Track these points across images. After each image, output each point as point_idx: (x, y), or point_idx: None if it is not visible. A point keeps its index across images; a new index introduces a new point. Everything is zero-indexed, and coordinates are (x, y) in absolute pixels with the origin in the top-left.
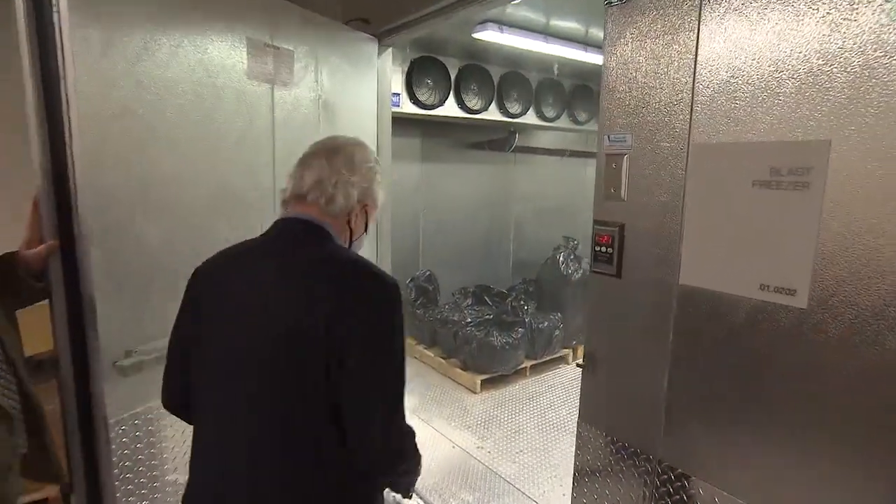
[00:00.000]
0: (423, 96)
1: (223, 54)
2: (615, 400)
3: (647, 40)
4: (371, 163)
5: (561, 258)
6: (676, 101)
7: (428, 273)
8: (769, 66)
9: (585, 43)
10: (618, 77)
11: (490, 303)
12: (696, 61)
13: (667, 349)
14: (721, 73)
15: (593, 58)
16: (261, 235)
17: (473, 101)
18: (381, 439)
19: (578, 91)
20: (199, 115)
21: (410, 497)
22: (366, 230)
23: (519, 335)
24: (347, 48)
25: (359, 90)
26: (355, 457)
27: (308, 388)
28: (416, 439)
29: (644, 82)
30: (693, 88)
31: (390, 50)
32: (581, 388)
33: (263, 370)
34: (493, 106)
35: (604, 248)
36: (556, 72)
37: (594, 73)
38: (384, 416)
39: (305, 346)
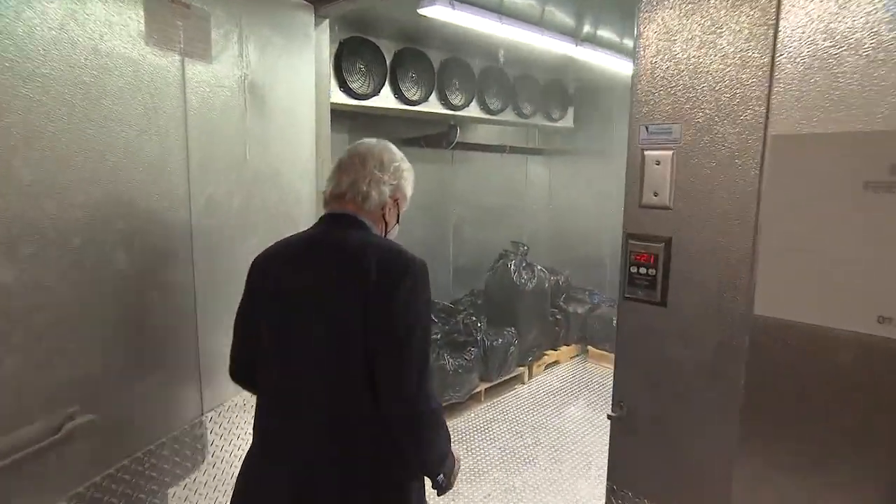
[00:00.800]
0: (355, 84)
1: (109, 7)
2: (661, 464)
3: (703, 2)
4: (397, 162)
5: (512, 266)
6: (747, 80)
7: None
8: (891, 30)
9: (540, 25)
10: (660, 52)
11: (436, 320)
12: (776, 27)
13: (735, 399)
14: (817, 42)
15: (549, 42)
16: (310, 228)
17: (412, 91)
18: (409, 397)
19: (523, 81)
20: (73, 95)
21: (445, 489)
22: (397, 221)
23: (472, 356)
24: (279, 16)
25: (294, 70)
26: (387, 412)
27: (350, 354)
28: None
29: (698, 58)
30: (772, 63)
31: (327, 22)
32: (610, 445)
33: (314, 342)
34: (433, 96)
35: (642, 270)
36: (501, 59)
37: (540, 62)
38: (412, 376)
39: (348, 317)
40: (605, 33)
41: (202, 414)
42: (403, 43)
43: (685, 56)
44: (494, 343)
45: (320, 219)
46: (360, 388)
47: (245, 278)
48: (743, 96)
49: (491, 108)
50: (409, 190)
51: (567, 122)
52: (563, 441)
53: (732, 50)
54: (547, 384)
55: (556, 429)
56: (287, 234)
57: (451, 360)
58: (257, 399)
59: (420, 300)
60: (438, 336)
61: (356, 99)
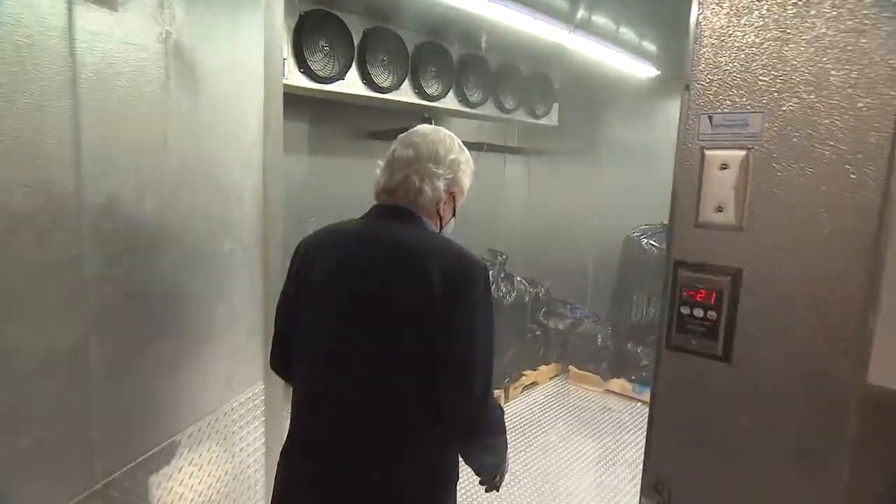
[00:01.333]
0: (316, 65)
1: None
2: None
3: None
4: (454, 154)
5: (490, 275)
6: (872, 49)
7: None
8: None
9: (531, 5)
10: (732, 18)
11: None
12: None
13: (837, 491)
14: None
15: (539, 27)
16: (359, 218)
17: (383, 77)
18: (476, 412)
19: (505, 71)
20: None
21: (497, 488)
22: (454, 215)
23: None
24: None
25: (236, 35)
26: (451, 427)
27: (403, 373)
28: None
29: (790, 27)
30: None
31: None
32: None
33: (358, 351)
34: (406, 84)
35: (697, 311)
36: (483, 45)
37: (525, 50)
38: (477, 391)
39: (403, 330)
40: (600, 19)
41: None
42: (374, 21)
43: (770, 20)
44: None
45: (370, 209)
46: (410, 409)
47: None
48: (865, 75)
49: (470, 99)
50: (466, 182)
51: (551, 119)
52: (546, 479)
53: (843, 10)
54: (525, 409)
55: (537, 466)
56: (225, 245)
57: None
58: (292, 394)
59: (485, 309)
60: None
61: (318, 82)
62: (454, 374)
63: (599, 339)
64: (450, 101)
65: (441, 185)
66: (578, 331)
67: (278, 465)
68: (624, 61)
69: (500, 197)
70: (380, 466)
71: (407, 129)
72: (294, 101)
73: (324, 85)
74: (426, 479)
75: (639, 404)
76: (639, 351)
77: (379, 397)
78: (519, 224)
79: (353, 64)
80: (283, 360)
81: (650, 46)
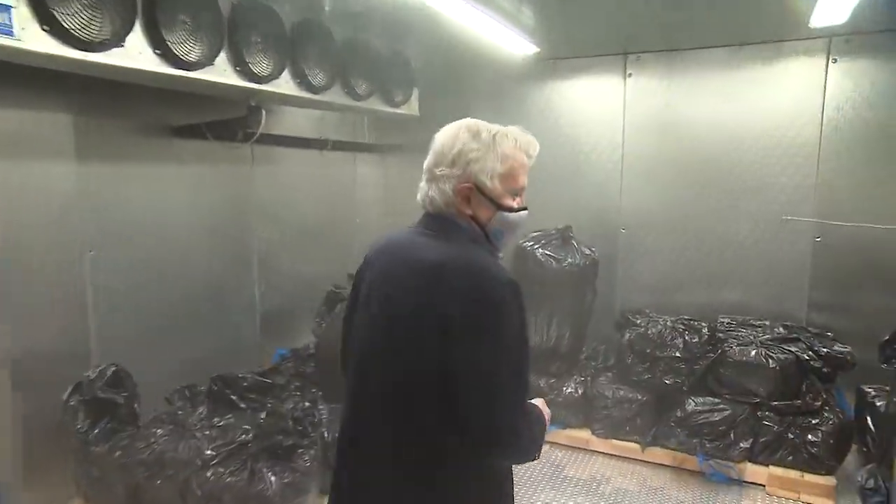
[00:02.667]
0: (73, 20)
1: None
2: None
3: None
4: (461, 144)
5: None
6: None
7: (112, 369)
8: None
9: None
10: None
11: (243, 405)
12: None
13: None
14: None
15: None
16: (414, 223)
17: (186, 46)
18: (502, 438)
19: (354, 47)
20: None
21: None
22: (500, 208)
23: (307, 461)
24: None
25: None
26: (473, 436)
27: (423, 400)
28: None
29: None
30: None
31: None
32: None
33: (384, 371)
34: (222, 58)
35: None
36: (326, 6)
37: (378, 19)
38: (503, 419)
39: (420, 356)
40: None
41: None
42: None
43: None
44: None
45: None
46: (433, 428)
47: None
48: None
49: (312, 82)
50: (490, 167)
51: (411, 108)
52: None
53: None
54: None
55: None
56: None
57: (270, 477)
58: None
59: (507, 333)
60: (249, 437)
61: (77, 48)
62: (473, 398)
63: None
64: (285, 85)
65: (447, 186)
66: None
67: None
68: (499, 34)
69: (351, 206)
70: (410, 488)
71: (227, 122)
72: (42, 78)
73: (88, 54)
74: (468, 498)
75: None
76: (541, 382)
77: (403, 416)
78: (377, 237)
79: (137, 25)
80: (343, 361)
81: (529, 19)
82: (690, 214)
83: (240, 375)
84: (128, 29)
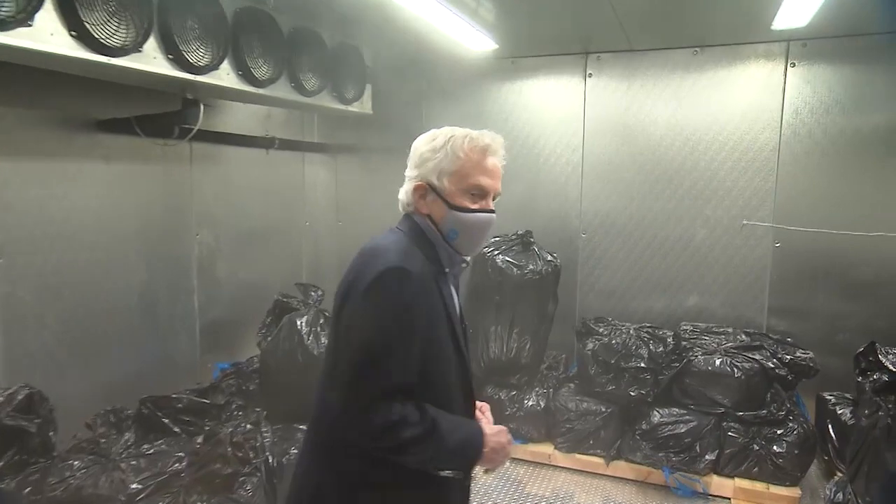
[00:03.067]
0: None
1: None
2: None
3: None
4: (421, 147)
5: (303, 324)
6: None
7: (23, 392)
8: None
9: None
10: None
11: (176, 429)
12: None
13: None
14: None
15: None
16: None
17: (107, 29)
18: (341, 416)
19: (302, 38)
20: None
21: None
22: (452, 207)
23: (249, 491)
24: None
25: None
26: (326, 419)
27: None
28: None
29: None
30: None
31: None
32: None
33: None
34: (151, 43)
35: None
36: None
37: (327, 9)
38: (349, 399)
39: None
40: None
41: None
42: None
43: None
44: (285, 458)
45: None
46: (318, 415)
47: None
48: None
49: (256, 74)
50: (441, 167)
51: (364, 106)
52: None
53: None
54: None
55: None
56: None
57: None
58: None
59: (369, 314)
60: (182, 466)
61: None
62: (328, 379)
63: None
64: (226, 77)
65: (409, 186)
66: None
67: None
68: (456, 28)
69: (300, 208)
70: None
71: (160, 117)
72: None
73: None
74: (335, 485)
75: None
76: (501, 395)
77: (317, 404)
78: (328, 243)
79: (48, 1)
80: None
81: (489, 13)
82: (650, 219)
83: (174, 395)
84: (36, 4)
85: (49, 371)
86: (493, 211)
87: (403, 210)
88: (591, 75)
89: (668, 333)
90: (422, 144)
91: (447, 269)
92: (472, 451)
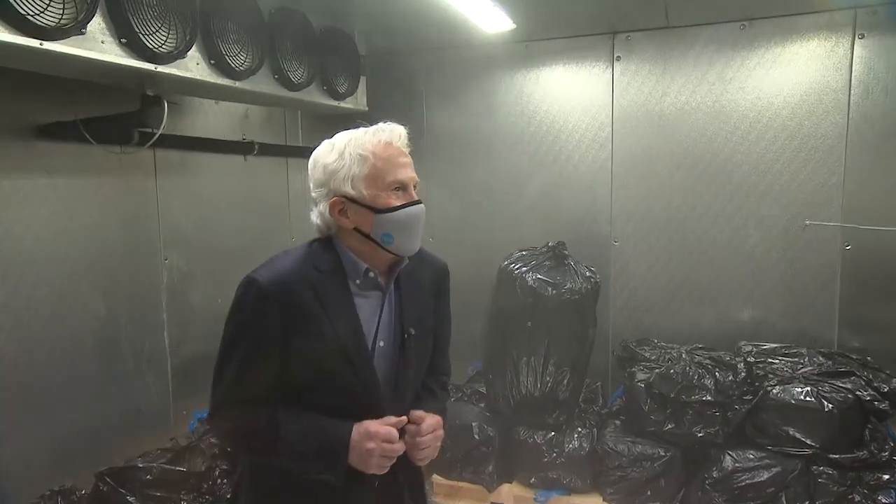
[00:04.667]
0: None
1: None
2: None
3: None
4: (324, 159)
5: None
6: None
7: None
8: None
9: None
10: None
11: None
12: None
13: None
14: None
15: None
16: None
17: (35, 3)
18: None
19: (286, 20)
20: None
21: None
22: (378, 211)
23: None
24: None
25: None
26: None
27: None
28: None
29: None
30: None
31: None
32: None
33: None
34: (97, 23)
35: None
36: None
37: None
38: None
39: None
40: None
41: None
42: None
43: None
44: None
45: None
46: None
47: None
48: None
49: (232, 63)
50: (351, 175)
51: (358, 101)
52: None
53: None
54: None
55: None
56: None
57: None
58: None
59: (230, 322)
60: None
61: None
62: None
63: (476, 429)
64: (195, 67)
65: (322, 206)
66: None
67: None
68: (464, 3)
69: (285, 221)
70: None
71: (113, 119)
72: None
73: None
74: (241, 480)
75: None
76: (537, 438)
77: None
78: None
79: None
80: None
81: None
82: (693, 221)
83: (139, 465)
84: None
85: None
86: (419, 201)
87: (322, 233)
88: (619, 58)
89: (738, 359)
90: (322, 156)
91: (357, 281)
92: (330, 457)
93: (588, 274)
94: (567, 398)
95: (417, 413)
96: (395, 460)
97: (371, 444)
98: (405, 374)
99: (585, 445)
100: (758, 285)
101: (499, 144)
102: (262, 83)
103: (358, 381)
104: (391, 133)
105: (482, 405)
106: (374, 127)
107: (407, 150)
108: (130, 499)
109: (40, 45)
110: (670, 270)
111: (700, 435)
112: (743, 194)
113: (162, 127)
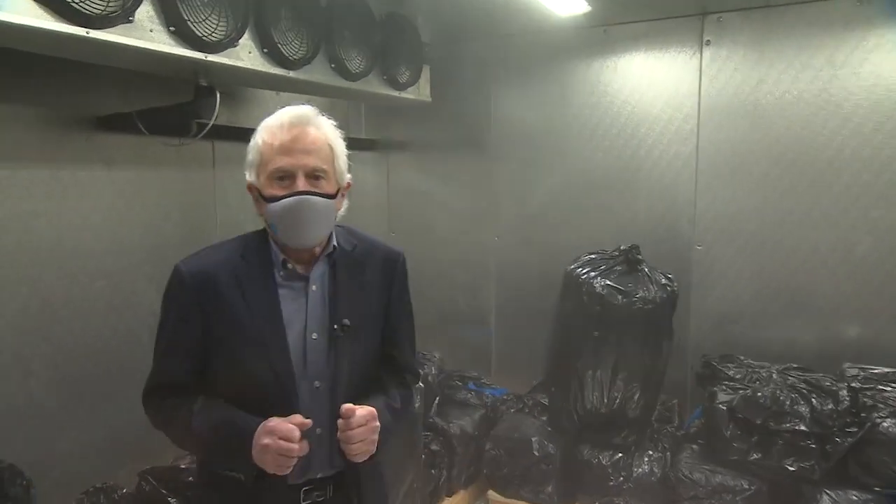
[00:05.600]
0: None
1: None
2: None
3: None
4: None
5: None
6: None
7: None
8: None
9: None
10: None
11: None
12: None
13: None
14: None
15: None
16: None
17: None
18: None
19: (344, 6)
20: None
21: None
22: (266, 200)
23: None
24: None
25: None
26: None
27: None
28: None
29: None
30: None
31: None
32: None
33: None
34: (144, 13)
35: None
36: None
37: None
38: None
39: None
40: None
41: None
42: None
43: None
44: None
45: None
46: None
47: None
48: None
49: (286, 52)
50: (249, 162)
51: (420, 91)
52: None
53: None
54: None
55: None
56: None
57: None
58: None
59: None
60: None
61: None
62: None
63: (535, 444)
64: (246, 56)
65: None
66: (498, 431)
67: None
68: None
69: (345, 217)
70: None
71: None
72: None
73: None
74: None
75: None
76: (602, 459)
77: None
78: None
79: None
80: None
81: None
82: (791, 224)
83: (182, 466)
84: None
85: (35, 430)
86: (305, 193)
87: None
88: (708, 43)
89: (841, 384)
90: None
91: (281, 272)
92: (235, 451)
93: (664, 281)
94: (637, 416)
95: (346, 406)
96: (296, 460)
97: (266, 440)
98: (339, 368)
99: (657, 471)
100: (867, 299)
101: (571, 138)
102: (318, 72)
103: (271, 370)
104: (284, 116)
105: (544, 418)
106: (282, 109)
107: (314, 135)
108: (172, 500)
109: (87, 33)
110: (763, 279)
111: (792, 469)
112: (853, 196)
113: (214, 118)
